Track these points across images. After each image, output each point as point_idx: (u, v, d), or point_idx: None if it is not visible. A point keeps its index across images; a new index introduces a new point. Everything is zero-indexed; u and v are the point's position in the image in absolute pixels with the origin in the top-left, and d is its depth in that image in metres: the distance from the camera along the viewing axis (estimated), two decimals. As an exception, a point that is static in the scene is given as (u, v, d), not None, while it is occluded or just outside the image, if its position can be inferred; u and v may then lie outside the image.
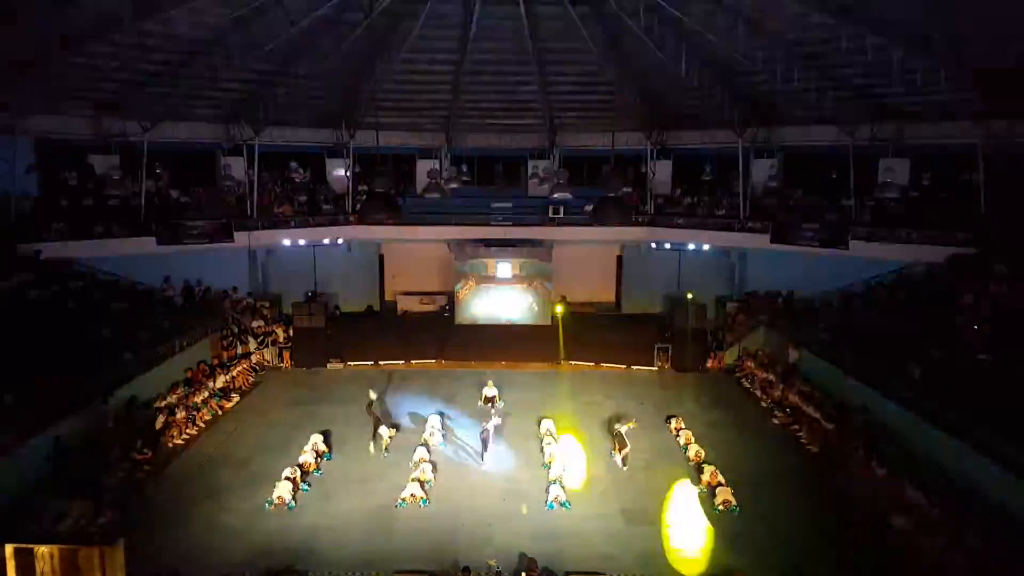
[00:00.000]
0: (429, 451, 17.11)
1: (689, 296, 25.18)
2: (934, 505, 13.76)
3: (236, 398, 21.34)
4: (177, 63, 21.31)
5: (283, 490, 14.82)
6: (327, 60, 23.06)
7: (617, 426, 17.17)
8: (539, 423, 18.95)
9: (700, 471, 16.11)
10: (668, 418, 19.48)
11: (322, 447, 17.27)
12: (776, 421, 20.06)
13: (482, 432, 17.30)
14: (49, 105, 21.51)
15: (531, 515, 14.49)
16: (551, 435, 18.13)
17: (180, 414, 18.68)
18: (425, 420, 18.85)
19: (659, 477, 16.24)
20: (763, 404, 21.38)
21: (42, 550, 8.96)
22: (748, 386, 23.09)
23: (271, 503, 14.65)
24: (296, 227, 27.24)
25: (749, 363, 24.33)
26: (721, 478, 15.51)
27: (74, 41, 18.12)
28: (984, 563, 11.97)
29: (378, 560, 12.82)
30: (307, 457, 16.45)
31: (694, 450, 17.27)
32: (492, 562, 12.25)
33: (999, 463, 13.37)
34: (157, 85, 22.05)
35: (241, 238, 25.97)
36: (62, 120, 22.57)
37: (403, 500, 14.85)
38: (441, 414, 19.54)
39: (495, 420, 17.78)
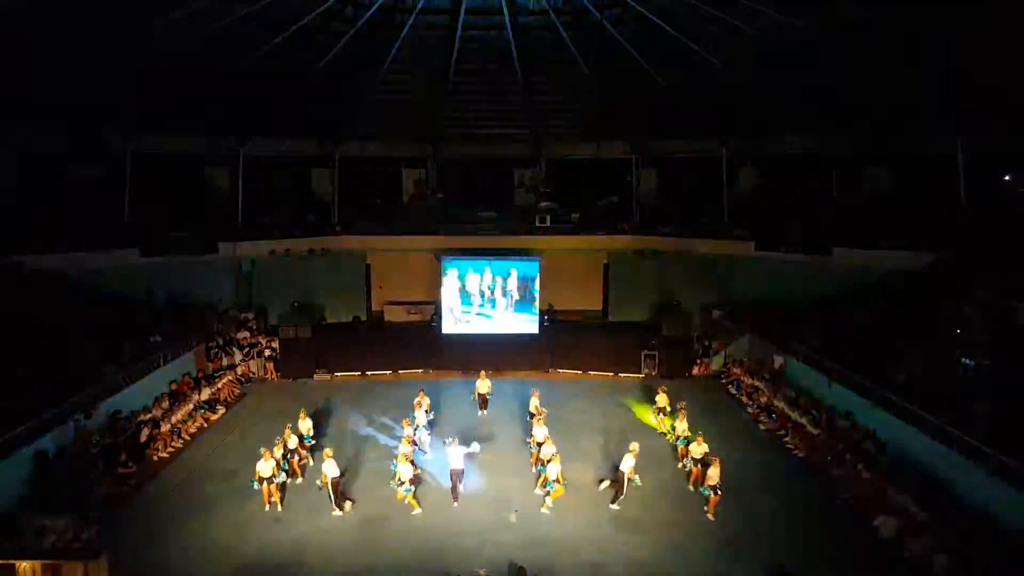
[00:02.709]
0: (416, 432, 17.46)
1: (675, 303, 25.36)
2: (919, 508, 13.88)
3: (222, 410, 21.15)
4: (162, 73, 21.24)
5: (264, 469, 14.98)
6: (313, 70, 23.10)
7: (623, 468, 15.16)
8: (529, 401, 19.29)
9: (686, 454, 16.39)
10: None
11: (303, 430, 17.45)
12: (762, 427, 20.16)
13: (452, 474, 15.46)
14: (32, 114, 21.37)
15: (520, 524, 14.44)
16: (539, 411, 18.40)
17: (165, 427, 18.50)
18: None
19: (648, 484, 16.24)
20: (749, 410, 21.50)
21: (24, 565, 8.85)
22: (734, 392, 23.20)
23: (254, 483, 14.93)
24: (281, 237, 27.14)
25: (735, 369, 24.47)
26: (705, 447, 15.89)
27: (58, 48, 18.01)
28: (967, 565, 12.07)
29: (367, 572, 12.75)
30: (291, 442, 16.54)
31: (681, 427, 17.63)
32: (482, 572, 12.18)
33: (982, 467, 13.51)
34: (142, 95, 21.96)
35: (226, 249, 25.85)
36: (46, 130, 22.41)
37: (398, 482, 14.82)
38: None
39: (464, 449, 15.64)
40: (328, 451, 15.54)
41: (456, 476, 15.42)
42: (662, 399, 19.90)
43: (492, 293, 26.22)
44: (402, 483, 14.81)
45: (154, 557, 13.07)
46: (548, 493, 15.01)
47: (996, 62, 17.03)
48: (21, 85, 19.01)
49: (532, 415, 18.66)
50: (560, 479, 14.95)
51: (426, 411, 18.73)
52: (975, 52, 16.93)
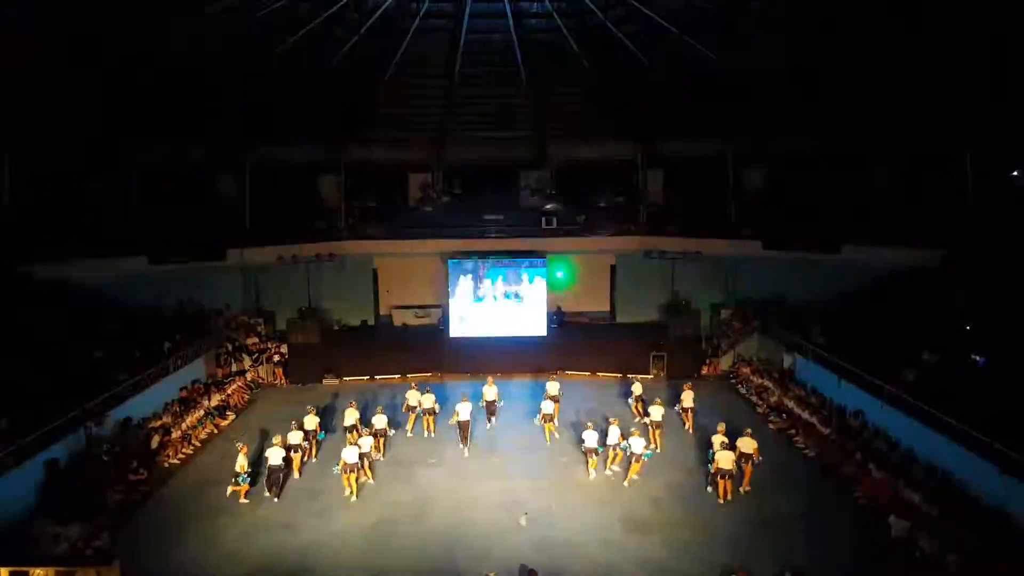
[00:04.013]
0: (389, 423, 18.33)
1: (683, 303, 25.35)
2: (931, 506, 13.81)
3: (232, 416, 21.25)
4: (166, 81, 21.37)
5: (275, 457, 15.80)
6: (318, 75, 23.20)
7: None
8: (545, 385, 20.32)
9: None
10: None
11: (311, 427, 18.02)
12: (772, 426, 20.08)
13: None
14: (40, 125, 21.55)
15: (530, 527, 14.42)
16: (554, 397, 19.56)
17: (175, 433, 18.60)
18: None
19: (657, 485, 16.24)
20: (759, 409, 21.42)
21: (38, 572, 8.92)
22: (744, 392, 23.16)
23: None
24: (288, 243, 27.24)
25: (744, 369, 24.42)
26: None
27: (64, 59, 18.15)
28: (981, 564, 11.99)
29: (377, 576, 12.79)
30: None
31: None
32: (492, 575, 12.18)
33: (995, 464, 13.41)
34: (147, 104, 22.09)
35: (233, 255, 25.97)
36: (53, 140, 22.59)
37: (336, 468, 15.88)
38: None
39: (469, 406, 18.44)
40: (276, 438, 16.41)
41: (464, 426, 18.25)
42: (637, 388, 20.71)
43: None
44: (347, 467, 15.60)
45: (165, 563, 13.13)
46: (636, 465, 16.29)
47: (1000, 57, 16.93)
48: (28, 94, 19.19)
49: (552, 398, 19.47)
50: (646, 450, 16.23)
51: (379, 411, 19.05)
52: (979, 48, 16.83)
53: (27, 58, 17.44)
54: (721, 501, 15.29)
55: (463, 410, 18.28)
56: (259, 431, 19.65)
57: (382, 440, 18.00)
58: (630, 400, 20.94)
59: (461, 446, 18.34)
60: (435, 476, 16.88)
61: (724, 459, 15.38)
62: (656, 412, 18.11)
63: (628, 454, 16.33)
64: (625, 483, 16.22)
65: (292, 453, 16.72)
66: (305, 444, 17.30)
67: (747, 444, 15.79)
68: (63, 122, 21.74)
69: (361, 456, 16.02)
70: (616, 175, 30.54)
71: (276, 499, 15.68)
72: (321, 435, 18.28)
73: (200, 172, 27.37)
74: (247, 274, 27.28)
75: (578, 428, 19.61)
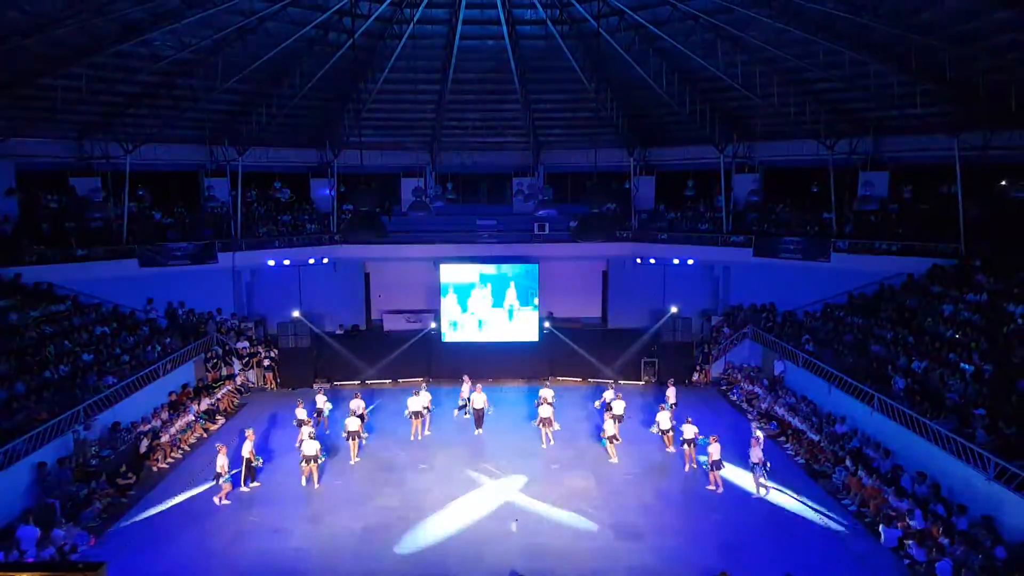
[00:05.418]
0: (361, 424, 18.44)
1: (674, 310, 25.38)
2: (920, 514, 13.85)
3: (221, 420, 21.12)
4: (159, 85, 21.30)
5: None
6: (311, 80, 23.18)
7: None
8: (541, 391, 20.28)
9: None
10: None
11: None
12: (763, 433, 20.10)
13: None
14: (29, 128, 21.44)
15: (520, 533, 14.41)
16: (550, 402, 19.57)
17: (164, 438, 18.47)
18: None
19: (648, 492, 16.26)
20: (749, 416, 21.47)
21: (24, 578, 8.84)
22: (734, 399, 23.21)
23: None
24: (280, 247, 27.16)
25: (735, 376, 24.47)
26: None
27: (55, 63, 18.04)
28: (970, 572, 12.04)
29: (367, 582, 12.74)
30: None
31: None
32: (483, 581, 12.18)
33: (984, 472, 13.49)
34: (139, 107, 22.02)
35: (225, 259, 25.86)
36: (43, 143, 22.50)
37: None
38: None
39: (468, 385, 20.57)
40: (249, 432, 16.84)
41: (463, 400, 20.37)
42: (609, 394, 20.58)
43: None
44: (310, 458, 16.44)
45: (153, 568, 13.03)
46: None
47: (994, 65, 17.07)
48: (17, 97, 19.09)
49: (542, 402, 19.53)
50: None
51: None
52: (973, 56, 16.95)
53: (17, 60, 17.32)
54: (712, 489, 16.15)
55: (465, 388, 20.59)
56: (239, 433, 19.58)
57: (356, 443, 17.99)
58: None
59: (455, 411, 20.67)
60: (426, 481, 16.83)
61: (715, 451, 16.09)
62: (618, 407, 19.01)
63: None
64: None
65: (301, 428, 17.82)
66: (311, 425, 18.14)
67: (754, 455, 16.27)
68: (54, 124, 21.64)
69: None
70: (608, 181, 30.62)
71: (254, 484, 16.51)
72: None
73: (192, 175, 27.30)
74: (238, 278, 27.16)
75: (573, 433, 19.72)
